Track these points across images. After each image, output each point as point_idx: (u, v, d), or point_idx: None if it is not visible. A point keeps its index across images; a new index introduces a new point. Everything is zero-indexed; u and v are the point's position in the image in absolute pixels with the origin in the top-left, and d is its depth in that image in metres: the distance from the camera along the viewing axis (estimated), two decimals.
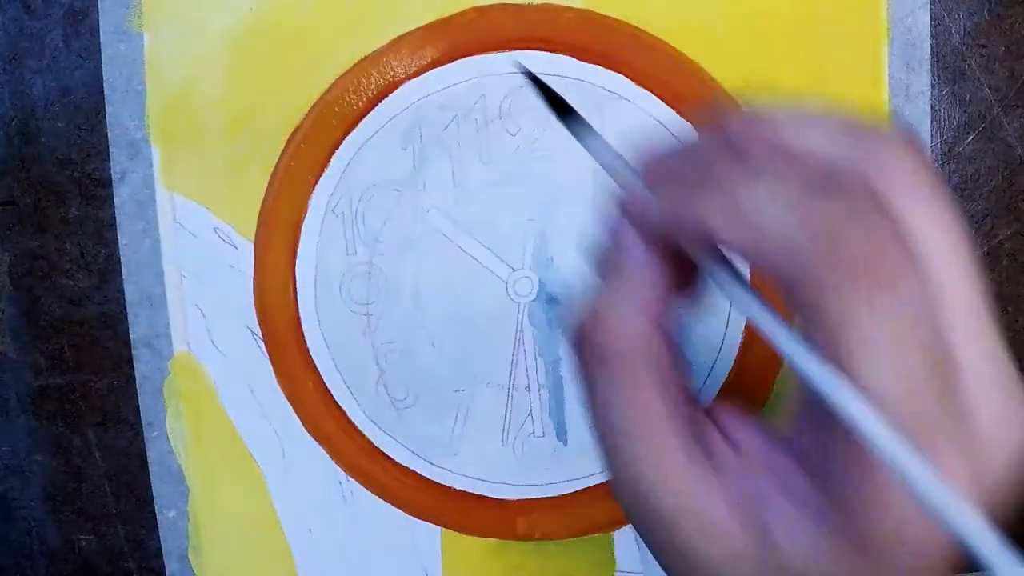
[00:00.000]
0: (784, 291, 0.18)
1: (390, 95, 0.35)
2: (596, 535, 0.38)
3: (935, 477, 0.16)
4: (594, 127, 0.23)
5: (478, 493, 0.37)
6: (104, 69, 0.35)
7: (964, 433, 0.18)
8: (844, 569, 0.18)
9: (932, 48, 0.35)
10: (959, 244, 0.19)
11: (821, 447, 0.18)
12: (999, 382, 0.18)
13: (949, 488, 0.16)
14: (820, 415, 0.18)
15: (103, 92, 0.35)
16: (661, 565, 0.20)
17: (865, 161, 0.19)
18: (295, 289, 0.36)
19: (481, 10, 0.35)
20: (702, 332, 0.36)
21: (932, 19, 0.35)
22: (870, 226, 0.18)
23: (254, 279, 0.36)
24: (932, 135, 0.36)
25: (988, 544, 0.16)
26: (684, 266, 0.21)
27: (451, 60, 0.35)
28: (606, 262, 0.21)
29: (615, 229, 0.21)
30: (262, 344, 0.36)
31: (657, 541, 0.20)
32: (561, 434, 0.37)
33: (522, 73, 0.26)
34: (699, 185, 0.19)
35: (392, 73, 0.35)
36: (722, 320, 0.36)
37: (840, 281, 0.17)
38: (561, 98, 0.24)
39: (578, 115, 0.23)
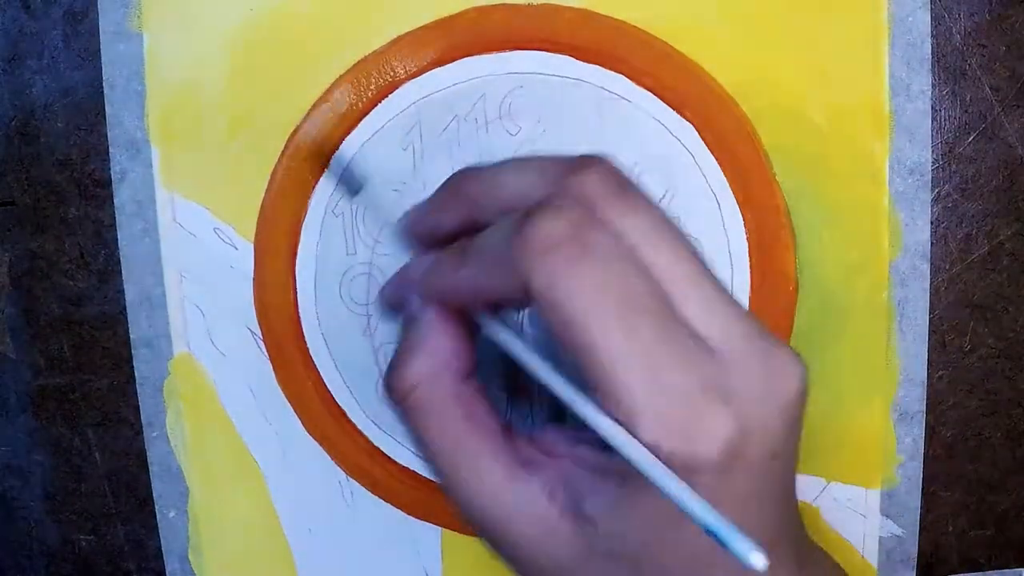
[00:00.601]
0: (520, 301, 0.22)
1: (390, 95, 0.35)
2: None
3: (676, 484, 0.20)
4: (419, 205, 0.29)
5: None
6: (104, 69, 0.35)
7: (717, 386, 0.21)
8: (642, 515, 0.22)
9: (932, 48, 0.35)
10: (662, 225, 0.22)
11: None
12: (727, 326, 0.22)
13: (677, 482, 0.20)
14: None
15: (103, 92, 0.35)
16: (504, 560, 0.25)
17: (571, 182, 0.22)
18: (295, 289, 0.36)
19: (481, 10, 0.35)
20: None
21: (932, 19, 0.35)
22: (567, 211, 0.21)
23: (254, 279, 0.36)
24: (932, 135, 0.36)
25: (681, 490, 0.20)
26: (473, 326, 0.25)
27: (451, 60, 0.35)
28: (407, 324, 0.26)
29: (407, 300, 0.26)
30: (262, 344, 0.36)
31: (491, 539, 0.25)
32: None
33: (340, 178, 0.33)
34: (447, 262, 0.25)
35: (392, 73, 0.35)
36: None
37: (536, 253, 0.21)
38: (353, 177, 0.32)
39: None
